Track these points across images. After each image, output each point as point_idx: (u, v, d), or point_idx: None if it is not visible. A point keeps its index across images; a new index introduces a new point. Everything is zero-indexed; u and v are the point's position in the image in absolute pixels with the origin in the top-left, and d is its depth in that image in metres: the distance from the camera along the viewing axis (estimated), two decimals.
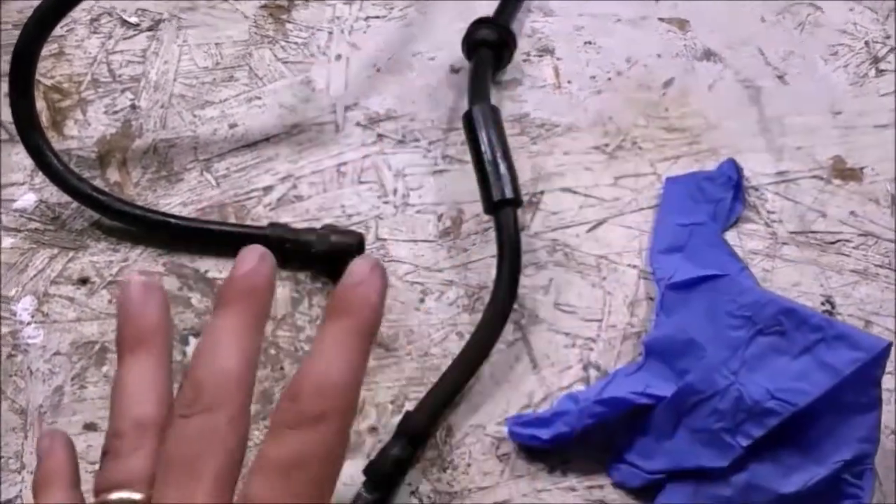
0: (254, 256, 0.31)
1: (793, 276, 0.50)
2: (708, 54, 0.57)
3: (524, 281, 0.50)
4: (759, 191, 0.52)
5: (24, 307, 0.50)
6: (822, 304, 0.49)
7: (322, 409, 0.29)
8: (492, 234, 0.50)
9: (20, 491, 0.45)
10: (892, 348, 0.42)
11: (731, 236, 0.50)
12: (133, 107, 0.55)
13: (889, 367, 0.46)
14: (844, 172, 0.53)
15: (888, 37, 0.57)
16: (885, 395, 0.46)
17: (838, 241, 0.51)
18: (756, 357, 0.42)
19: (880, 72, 0.56)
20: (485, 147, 0.49)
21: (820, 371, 0.41)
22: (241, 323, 0.30)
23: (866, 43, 0.57)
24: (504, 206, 0.48)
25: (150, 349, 0.31)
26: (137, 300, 0.32)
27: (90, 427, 0.47)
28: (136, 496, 0.29)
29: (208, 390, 0.29)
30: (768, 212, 0.51)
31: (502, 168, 0.48)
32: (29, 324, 0.49)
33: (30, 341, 0.49)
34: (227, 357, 0.29)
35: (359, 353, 0.30)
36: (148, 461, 0.29)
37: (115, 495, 0.29)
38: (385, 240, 0.51)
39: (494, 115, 0.50)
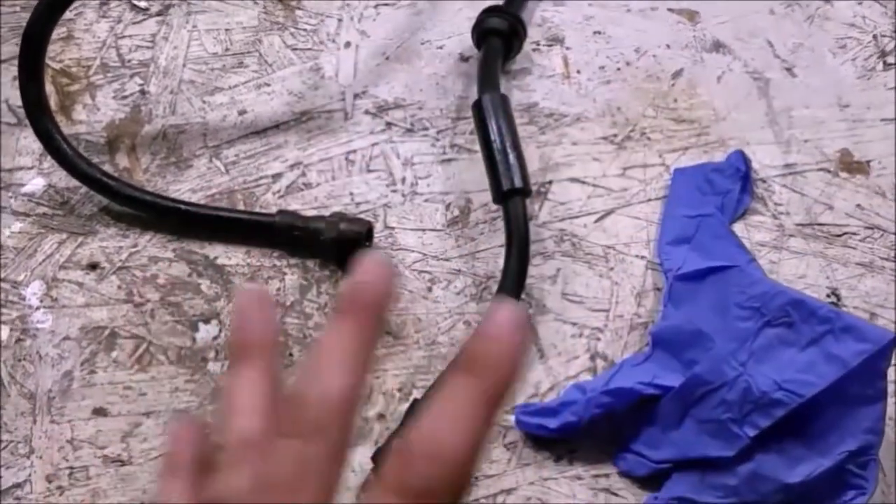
0: (376, 264, 0.28)
1: (799, 269, 0.50)
2: (717, 46, 0.57)
3: (532, 271, 0.50)
4: (766, 183, 0.52)
5: (33, 292, 0.50)
6: (828, 296, 0.49)
7: (435, 484, 0.26)
8: (500, 223, 0.50)
9: (29, 475, 0.46)
10: None
11: (738, 228, 0.51)
12: (142, 92, 0.55)
13: (894, 359, 0.47)
14: (851, 165, 0.53)
15: None
16: (890, 388, 0.46)
17: (845, 233, 0.51)
18: (764, 348, 0.42)
19: (888, 65, 0.56)
20: (494, 136, 0.49)
21: (827, 362, 0.41)
22: (356, 339, 0.28)
23: (874, 37, 0.57)
24: (513, 196, 0.48)
25: (256, 361, 0.30)
26: (247, 310, 0.31)
27: (99, 412, 0.47)
28: None
29: (312, 412, 0.27)
30: (775, 204, 0.52)
31: (511, 157, 0.48)
32: (38, 308, 0.49)
33: (39, 326, 0.49)
34: (338, 377, 0.27)
35: (485, 424, 0.26)
36: (249, 479, 0.28)
37: None
38: (393, 228, 0.51)
39: (504, 105, 0.50)
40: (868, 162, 0.53)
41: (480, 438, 0.26)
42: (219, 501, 0.28)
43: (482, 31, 0.54)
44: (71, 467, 0.46)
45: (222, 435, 0.29)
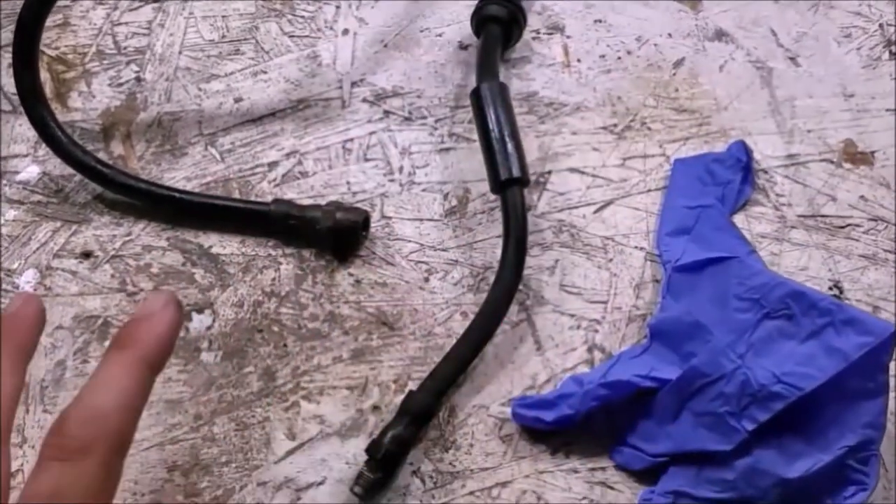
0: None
1: (801, 260, 0.49)
2: (720, 34, 0.56)
3: (530, 261, 0.49)
4: (768, 173, 0.51)
5: (26, 280, 0.49)
6: (830, 288, 0.49)
7: (86, 440, 0.28)
8: (498, 213, 0.50)
9: (22, 465, 0.45)
10: None
11: (739, 219, 0.50)
12: (138, 79, 0.55)
13: None
14: (855, 156, 0.52)
15: None
16: (892, 382, 0.45)
17: (848, 225, 0.50)
18: (763, 340, 0.42)
19: (893, 55, 0.55)
20: (492, 125, 0.48)
21: (827, 355, 0.40)
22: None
23: (880, 25, 0.56)
24: (511, 186, 0.47)
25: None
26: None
27: None
28: None
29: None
30: (777, 195, 0.51)
31: (510, 147, 0.48)
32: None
33: None
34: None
35: (135, 382, 0.30)
36: None
37: None
38: (390, 218, 0.51)
39: (503, 93, 0.49)
40: (872, 153, 0.52)
41: (133, 394, 0.30)
42: None
43: (481, 19, 0.53)
44: None
45: None
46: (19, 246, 0.50)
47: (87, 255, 0.50)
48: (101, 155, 0.52)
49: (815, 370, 0.40)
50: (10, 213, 0.51)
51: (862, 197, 0.51)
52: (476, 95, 0.49)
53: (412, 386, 0.46)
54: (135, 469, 0.45)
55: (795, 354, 0.41)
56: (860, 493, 0.42)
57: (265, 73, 0.55)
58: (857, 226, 0.50)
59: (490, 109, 0.48)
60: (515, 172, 0.47)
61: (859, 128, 0.53)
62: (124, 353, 0.31)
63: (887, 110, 0.53)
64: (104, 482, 0.29)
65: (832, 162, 0.52)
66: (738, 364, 0.41)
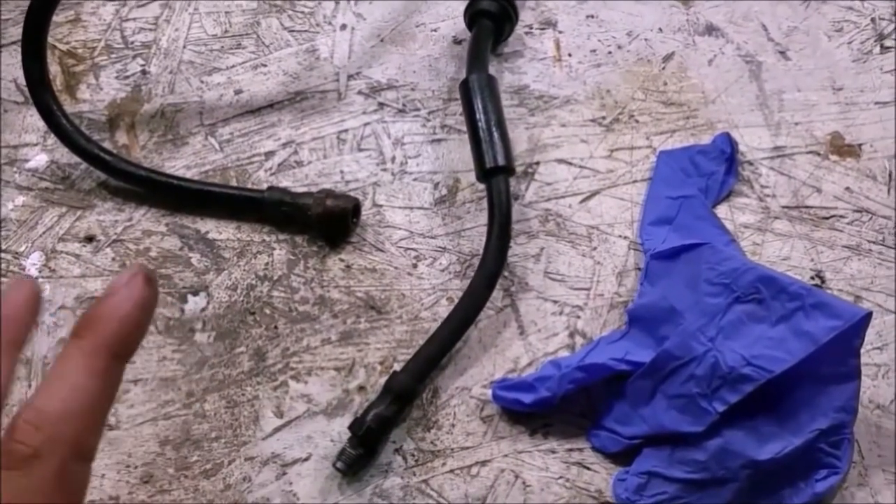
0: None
1: (783, 250, 0.50)
2: (710, 29, 0.57)
3: (515, 249, 0.50)
4: (753, 165, 0.52)
5: (32, 262, 0.52)
6: (812, 278, 0.49)
7: (35, 445, 0.25)
8: (486, 202, 0.51)
9: None
10: (882, 321, 0.42)
11: (722, 210, 0.51)
12: (143, 72, 0.57)
13: (888, 338, 0.47)
14: (842, 149, 0.53)
15: (895, 13, 0.57)
16: (883, 370, 0.46)
17: (832, 216, 0.51)
18: (733, 324, 0.42)
19: (885, 49, 0.56)
20: (479, 115, 0.49)
21: (797, 338, 0.41)
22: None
23: (872, 20, 0.57)
24: (496, 174, 0.48)
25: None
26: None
27: None
28: None
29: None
30: (762, 186, 0.52)
31: (496, 136, 0.49)
32: (36, 278, 0.51)
33: None
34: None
35: (94, 377, 0.26)
36: None
37: None
38: (381, 206, 0.52)
39: (491, 85, 0.50)
40: (860, 145, 0.53)
41: (93, 390, 0.26)
42: None
43: (474, 13, 0.55)
44: None
45: None
46: (27, 230, 0.52)
47: (90, 238, 0.52)
48: (107, 144, 0.54)
49: (785, 353, 0.41)
50: (19, 199, 0.53)
51: (847, 189, 0.52)
52: (465, 86, 0.50)
53: (397, 367, 0.47)
54: (128, 443, 0.47)
55: (765, 338, 0.42)
56: (832, 477, 0.42)
57: (265, 66, 0.57)
58: (842, 217, 0.51)
59: (478, 100, 0.50)
60: (501, 161, 0.48)
61: (847, 121, 0.53)
62: (82, 342, 0.26)
63: (876, 104, 0.54)
64: (57, 492, 0.25)
65: (818, 154, 0.53)
66: (708, 347, 0.42)
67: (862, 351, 0.42)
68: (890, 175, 0.52)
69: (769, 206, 0.51)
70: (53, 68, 0.56)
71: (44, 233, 0.52)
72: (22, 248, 0.52)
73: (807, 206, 0.51)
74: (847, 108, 0.54)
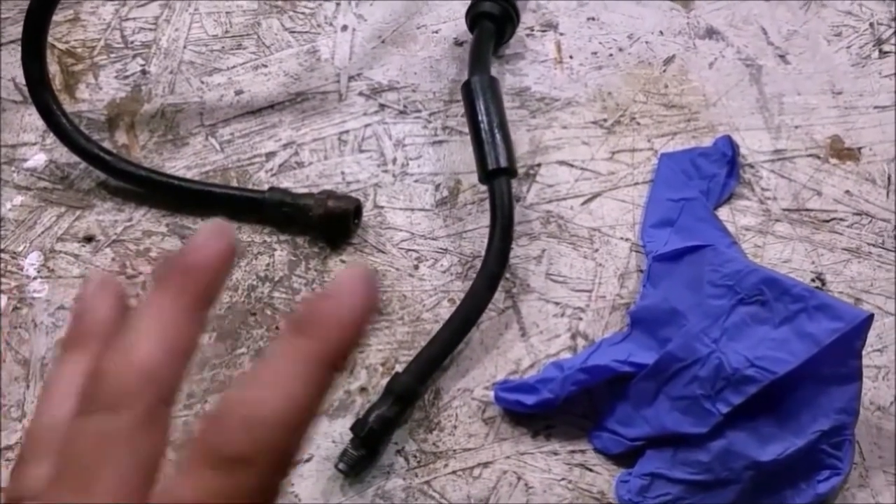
0: (206, 232, 0.26)
1: (784, 253, 0.50)
2: (710, 32, 0.57)
3: (517, 251, 0.50)
4: (754, 168, 0.52)
5: (31, 262, 0.51)
6: (813, 280, 0.49)
7: (247, 450, 0.23)
8: (487, 204, 0.51)
9: (21, 438, 0.47)
10: (882, 323, 0.42)
11: (724, 212, 0.51)
12: (143, 72, 0.57)
13: (888, 340, 0.47)
14: (842, 152, 0.53)
15: (893, 18, 0.57)
16: (883, 372, 0.46)
17: (832, 219, 0.51)
18: (736, 326, 0.42)
19: (884, 53, 0.56)
20: (482, 117, 0.49)
21: (800, 340, 0.41)
22: (170, 307, 0.25)
23: (871, 24, 0.57)
24: (498, 176, 0.48)
25: (86, 348, 0.26)
26: (88, 298, 0.27)
27: None
28: None
29: (111, 385, 0.24)
30: (763, 189, 0.52)
31: (498, 138, 0.49)
32: (35, 278, 0.51)
33: (35, 295, 0.50)
34: (142, 347, 0.24)
35: (312, 386, 0.24)
36: (48, 465, 0.24)
37: None
38: (383, 207, 0.52)
39: (493, 86, 0.50)
40: (859, 149, 0.53)
41: (307, 403, 0.24)
42: (20, 497, 0.25)
43: (475, 15, 0.55)
44: None
45: (30, 427, 0.26)
46: (25, 230, 0.52)
47: (89, 239, 0.52)
48: (106, 144, 0.54)
49: (788, 354, 0.41)
50: (18, 199, 0.53)
51: (847, 192, 0.52)
52: (467, 88, 0.50)
53: (399, 369, 0.47)
54: None
55: (768, 339, 0.42)
56: (834, 478, 0.43)
57: (265, 67, 0.57)
58: (842, 220, 0.51)
59: (480, 101, 0.50)
60: (503, 163, 0.48)
61: (846, 124, 0.54)
62: (300, 342, 0.24)
63: (875, 107, 0.54)
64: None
65: (818, 157, 0.53)
66: (712, 348, 0.42)
67: (862, 353, 0.42)
68: (889, 178, 0.52)
69: (770, 209, 0.51)
70: (52, 67, 0.56)
71: (42, 233, 0.52)
72: (20, 248, 0.52)
73: (807, 209, 0.51)
74: (846, 111, 0.54)
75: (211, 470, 0.23)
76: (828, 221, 0.51)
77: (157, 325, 0.24)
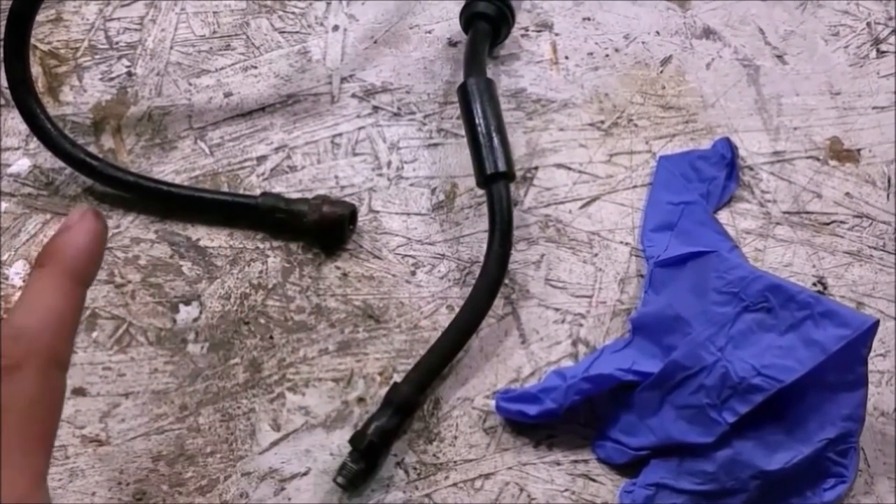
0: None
1: (785, 256, 0.49)
2: (707, 32, 0.56)
3: (516, 256, 0.49)
4: (753, 170, 0.52)
5: (16, 271, 0.50)
6: (814, 284, 0.49)
7: (17, 357, 0.28)
8: (485, 208, 0.50)
9: None
10: (884, 327, 0.41)
11: (723, 215, 0.50)
12: (129, 74, 0.55)
13: (891, 345, 0.47)
14: (841, 154, 0.53)
15: (891, 18, 0.57)
16: (886, 377, 0.46)
17: (833, 222, 0.51)
18: (742, 333, 0.42)
19: (881, 53, 0.56)
20: (479, 120, 0.48)
21: (806, 348, 0.41)
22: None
23: (868, 24, 0.57)
24: (497, 180, 0.48)
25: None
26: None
27: (79, 392, 0.47)
28: None
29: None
30: (762, 191, 0.51)
31: (496, 141, 0.48)
32: (20, 288, 0.49)
33: None
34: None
35: (61, 297, 0.29)
36: None
37: None
38: (378, 212, 0.51)
39: (490, 88, 0.49)
40: (858, 150, 0.53)
41: (62, 308, 0.29)
42: None
43: (470, 15, 0.54)
44: None
45: None
46: (10, 238, 0.51)
47: None
48: (92, 148, 0.52)
49: (795, 362, 0.40)
50: (1, 206, 0.51)
51: (847, 194, 0.51)
52: (463, 90, 0.49)
53: (397, 378, 0.46)
54: (120, 458, 0.45)
55: (775, 347, 0.41)
56: (840, 486, 0.42)
57: (255, 68, 0.55)
58: (842, 222, 0.51)
59: (477, 104, 0.49)
60: (501, 167, 0.47)
61: (845, 125, 0.53)
62: (45, 269, 0.30)
63: (873, 108, 0.54)
64: (44, 397, 0.28)
65: (818, 159, 0.52)
66: (717, 357, 0.42)
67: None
68: (889, 180, 0.52)
69: (770, 212, 0.51)
70: (35, 69, 0.54)
71: (27, 240, 0.51)
72: (5, 257, 0.50)
73: (807, 212, 0.51)
74: (845, 112, 0.54)
75: None
76: (828, 224, 0.51)
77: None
